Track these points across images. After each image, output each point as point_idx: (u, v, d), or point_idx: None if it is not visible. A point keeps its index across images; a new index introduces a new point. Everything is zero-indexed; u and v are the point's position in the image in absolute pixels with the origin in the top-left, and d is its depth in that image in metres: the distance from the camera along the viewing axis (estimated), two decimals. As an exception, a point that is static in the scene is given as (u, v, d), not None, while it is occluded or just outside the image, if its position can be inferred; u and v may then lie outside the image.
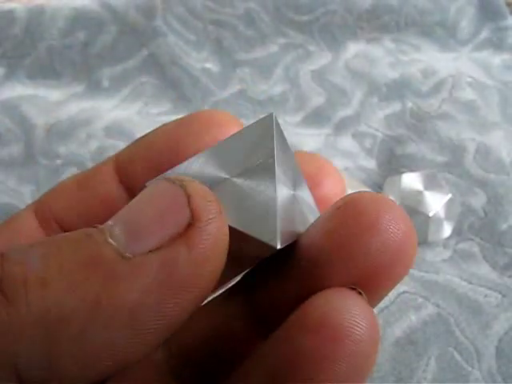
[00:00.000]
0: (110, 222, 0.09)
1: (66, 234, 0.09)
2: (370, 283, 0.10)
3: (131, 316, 0.08)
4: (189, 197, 0.09)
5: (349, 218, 0.10)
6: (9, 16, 0.36)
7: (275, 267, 0.11)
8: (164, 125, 0.14)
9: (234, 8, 0.40)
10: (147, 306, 0.08)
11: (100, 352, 0.08)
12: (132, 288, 0.08)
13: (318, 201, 0.13)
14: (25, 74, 0.35)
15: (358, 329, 0.09)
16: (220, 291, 0.12)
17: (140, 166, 0.13)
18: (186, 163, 0.11)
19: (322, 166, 0.13)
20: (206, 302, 0.12)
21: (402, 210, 0.10)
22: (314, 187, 0.13)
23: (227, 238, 0.09)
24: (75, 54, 0.36)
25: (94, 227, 0.09)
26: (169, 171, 0.11)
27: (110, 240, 0.09)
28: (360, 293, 0.10)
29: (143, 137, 0.14)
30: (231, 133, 0.11)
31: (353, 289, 0.10)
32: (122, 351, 0.08)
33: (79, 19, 0.37)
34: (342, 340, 0.09)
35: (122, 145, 0.30)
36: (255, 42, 0.39)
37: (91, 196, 0.14)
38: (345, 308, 0.09)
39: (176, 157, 0.13)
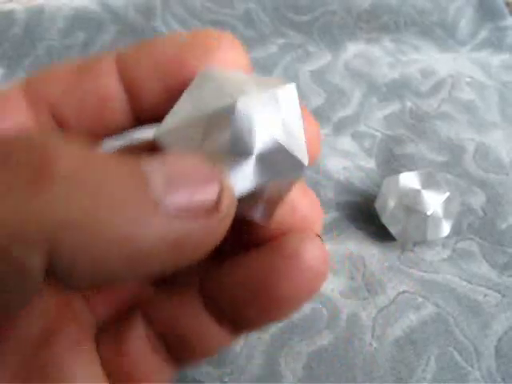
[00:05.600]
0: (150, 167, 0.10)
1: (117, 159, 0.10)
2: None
3: (136, 245, 0.09)
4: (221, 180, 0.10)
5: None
6: (8, 16, 0.36)
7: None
8: (172, 36, 0.13)
9: (234, 8, 0.40)
10: (158, 247, 0.09)
11: (112, 249, 0.09)
12: (151, 231, 0.09)
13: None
14: (24, 74, 0.35)
15: (317, 258, 0.12)
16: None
17: (144, 71, 0.13)
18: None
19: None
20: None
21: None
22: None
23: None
24: (75, 54, 0.36)
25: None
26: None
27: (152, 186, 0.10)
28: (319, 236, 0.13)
29: (149, 42, 0.13)
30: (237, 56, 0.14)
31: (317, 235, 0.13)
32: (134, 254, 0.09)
33: (79, 19, 0.37)
34: (305, 263, 0.12)
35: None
36: (254, 43, 0.39)
37: (91, 87, 0.13)
38: (310, 246, 0.13)
39: (181, 72, 0.13)
